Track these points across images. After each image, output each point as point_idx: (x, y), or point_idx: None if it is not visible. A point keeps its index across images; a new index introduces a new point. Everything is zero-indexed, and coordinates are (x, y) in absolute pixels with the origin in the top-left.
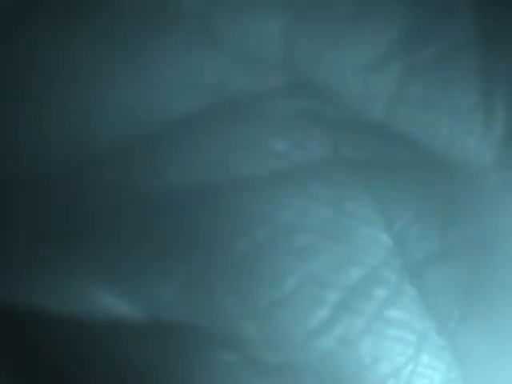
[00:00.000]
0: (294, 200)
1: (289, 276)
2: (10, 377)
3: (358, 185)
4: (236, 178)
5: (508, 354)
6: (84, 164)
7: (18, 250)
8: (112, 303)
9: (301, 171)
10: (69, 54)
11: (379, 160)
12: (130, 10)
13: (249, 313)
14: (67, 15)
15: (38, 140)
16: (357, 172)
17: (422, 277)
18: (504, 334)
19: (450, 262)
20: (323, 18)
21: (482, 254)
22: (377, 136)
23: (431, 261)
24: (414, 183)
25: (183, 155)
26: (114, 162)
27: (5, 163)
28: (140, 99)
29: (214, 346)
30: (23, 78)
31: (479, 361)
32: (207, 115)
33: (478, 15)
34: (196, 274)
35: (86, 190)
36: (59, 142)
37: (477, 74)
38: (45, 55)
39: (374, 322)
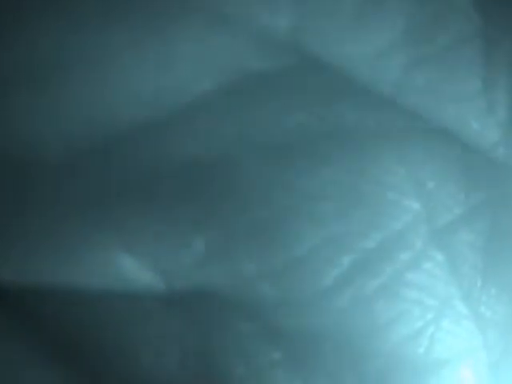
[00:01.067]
0: (315, 168)
1: (307, 240)
2: (31, 351)
3: (382, 151)
4: (256, 149)
5: None
6: (108, 141)
7: (41, 224)
8: (133, 272)
9: (322, 140)
10: (92, 40)
11: (400, 128)
12: (148, 1)
13: (264, 274)
14: (80, 5)
15: (57, 125)
16: (381, 139)
17: (449, 241)
18: None
19: (473, 224)
20: (332, 5)
21: (499, 215)
22: (389, 109)
23: (458, 223)
24: (434, 148)
25: (203, 131)
26: (138, 139)
27: (33, 147)
28: (161, 81)
29: (231, 313)
30: (45, 67)
31: (500, 329)
32: (225, 94)
33: (480, 8)
34: (215, 242)
35: (109, 166)
36: (84, 123)
37: (479, 64)
38: (65, 42)
39: (391, 284)
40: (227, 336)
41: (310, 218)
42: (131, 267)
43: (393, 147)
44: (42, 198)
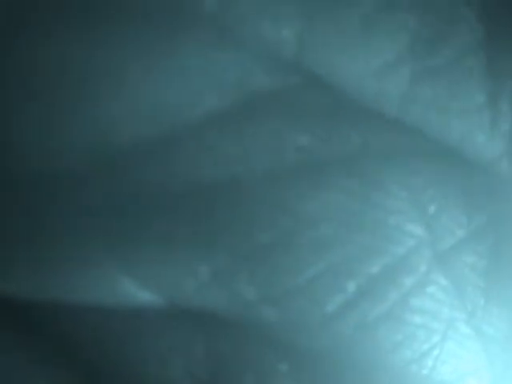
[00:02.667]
0: (318, 192)
1: (311, 265)
2: (34, 366)
3: (384, 175)
4: (259, 171)
5: None
6: (111, 159)
7: (40, 241)
8: (134, 292)
9: (325, 164)
10: (97, 55)
11: (403, 150)
12: (150, 12)
13: (267, 300)
14: (87, 17)
15: (64, 139)
16: (384, 163)
17: (452, 264)
18: None
19: (475, 246)
20: (336, 22)
21: (501, 236)
22: (395, 128)
23: (460, 246)
24: (437, 171)
25: (206, 151)
26: (139, 159)
27: (31, 162)
28: (165, 98)
29: (234, 331)
30: (49, 81)
31: (504, 348)
32: (228, 113)
33: (484, 21)
34: (218, 264)
35: (112, 185)
36: (87, 139)
37: (484, 77)
38: (70, 57)
39: (396, 310)
40: (232, 348)
41: (313, 242)
42: (133, 290)
43: (395, 171)
44: (42, 217)
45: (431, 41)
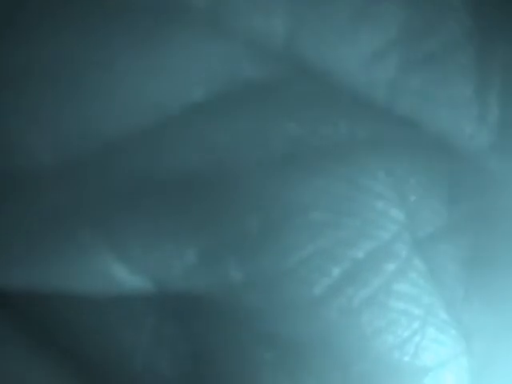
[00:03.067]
0: (306, 178)
1: (298, 249)
2: (31, 356)
3: (372, 162)
4: (248, 159)
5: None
6: (100, 149)
7: (34, 232)
8: (122, 275)
9: (314, 151)
10: (84, 50)
11: (390, 139)
12: (139, 4)
13: (254, 283)
14: (75, 11)
15: (53, 130)
16: (371, 150)
17: (431, 252)
18: (507, 310)
19: (455, 237)
20: (326, 13)
21: (483, 229)
22: (383, 117)
23: (439, 236)
24: (422, 161)
25: (196, 139)
26: (130, 147)
27: (27, 155)
28: (153, 89)
29: (221, 317)
30: (37, 76)
31: (483, 336)
32: (218, 103)
33: (473, 13)
34: (206, 248)
35: (102, 175)
36: (77, 131)
37: (472, 69)
38: (59, 52)
39: (379, 295)
40: (217, 338)
41: (301, 227)
42: (123, 275)
43: (382, 158)
44: (36, 206)
45: (420, 31)
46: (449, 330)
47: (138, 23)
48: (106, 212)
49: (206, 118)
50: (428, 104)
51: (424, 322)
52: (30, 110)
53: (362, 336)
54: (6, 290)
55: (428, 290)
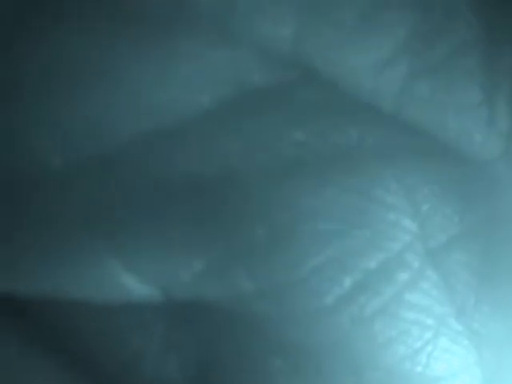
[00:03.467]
0: (317, 187)
1: (308, 259)
2: (40, 362)
3: (383, 171)
4: (257, 166)
5: None
6: (108, 155)
7: (42, 238)
8: (130, 283)
9: (323, 159)
10: (95, 53)
11: (400, 147)
12: (148, 10)
13: (264, 292)
14: (86, 16)
15: (65, 134)
16: (381, 159)
17: (443, 262)
18: None
19: (467, 244)
20: (333, 19)
21: (494, 236)
22: (393, 125)
23: (451, 245)
24: (432, 170)
25: (204, 146)
26: (138, 153)
27: (33, 158)
28: (162, 95)
29: (230, 325)
30: (47, 77)
31: (494, 343)
32: (226, 109)
33: (481, 18)
34: (214, 257)
35: (109, 181)
36: (85, 136)
37: (480, 74)
38: (68, 54)
39: (391, 305)
40: (226, 346)
41: (312, 237)
42: (132, 283)
43: (393, 167)
44: (44, 213)
45: (428, 37)
46: (461, 341)
47: (148, 31)
48: (116, 220)
49: (215, 125)
50: (436, 111)
51: (436, 332)
52: (40, 113)
53: (373, 346)
54: (17, 297)
55: (440, 301)
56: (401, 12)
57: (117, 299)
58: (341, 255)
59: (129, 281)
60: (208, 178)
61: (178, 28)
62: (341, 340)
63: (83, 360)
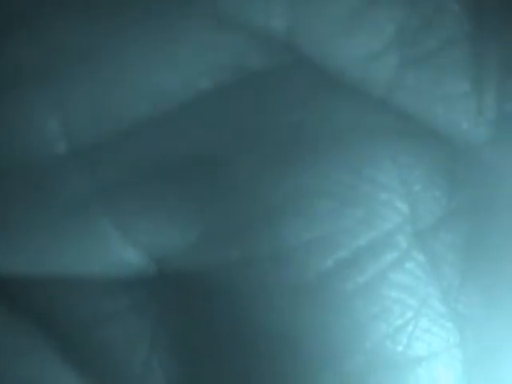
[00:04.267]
0: (313, 166)
1: (298, 233)
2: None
3: (378, 151)
4: (254, 146)
5: (506, 322)
6: (109, 137)
7: (43, 214)
8: (128, 257)
9: (318, 139)
10: (95, 38)
11: (393, 128)
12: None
13: (251, 261)
14: (87, 3)
15: (67, 116)
16: (376, 139)
17: (430, 244)
18: (502, 299)
19: (453, 226)
20: (323, 11)
21: (480, 218)
22: (381, 110)
23: (438, 226)
24: (423, 152)
25: (203, 126)
26: (138, 135)
27: (40, 143)
28: (161, 79)
29: (213, 301)
30: (48, 63)
31: (478, 326)
32: (223, 91)
33: (469, 13)
34: (209, 231)
35: (109, 160)
36: (87, 118)
37: (469, 66)
38: (69, 40)
39: (375, 283)
40: (214, 323)
41: (304, 213)
42: (127, 252)
43: (387, 147)
44: (44, 191)
45: (417, 30)
46: (443, 322)
47: (147, 16)
48: (115, 195)
49: (212, 106)
50: (425, 100)
51: (418, 312)
52: (43, 99)
53: (354, 323)
54: (12, 277)
55: (425, 281)
56: (391, 7)
57: (111, 272)
58: (332, 232)
59: (125, 252)
60: (205, 156)
61: (176, 14)
62: (322, 317)
63: (75, 341)
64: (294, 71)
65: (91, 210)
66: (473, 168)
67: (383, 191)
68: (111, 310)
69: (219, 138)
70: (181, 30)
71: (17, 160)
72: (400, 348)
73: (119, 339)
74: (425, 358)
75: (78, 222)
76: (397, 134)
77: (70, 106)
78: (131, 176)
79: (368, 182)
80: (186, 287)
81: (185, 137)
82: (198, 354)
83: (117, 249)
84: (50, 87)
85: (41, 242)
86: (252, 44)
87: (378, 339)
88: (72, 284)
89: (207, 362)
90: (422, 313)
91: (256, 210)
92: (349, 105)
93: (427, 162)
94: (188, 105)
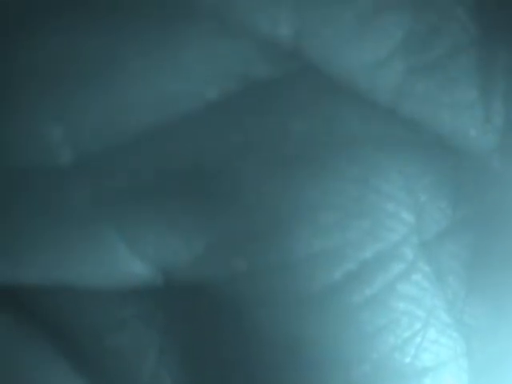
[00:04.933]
0: (319, 178)
1: (304, 246)
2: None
3: (383, 161)
4: (259, 156)
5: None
6: (114, 146)
7: (47, 223)
8: (134, 268)
9: (325, 150)
10: (100, 47)
11: (400, 138)
12: (152, 3)
13: (258, 273)
14: (91, 10)
15: (72, 124)
16: (382, 149)
17: (436, 254)
18: (508, 310)
19: (459, 236)
20: (330, 18)
21: (487, 229)
22: (391, 118)
23: (444, 236)
24: (429, 162)
25: (208, 137)
26: (144, 144)
27: (46, 151)
28: (166, 88)
29: (219, 312)
30: (52, 71)
31: (484, 336)
32: (229, 101)
33: (476, 21)
34: (215, 243)
35: (115, 169)
36: (92, 127)
37: (476, 73)
38: (74, 48)
39: (382, 295)
40: (211, 333)
41: (310, 226)
42: (134, 264)
43: (393, 157)
44: (48, 199)
45: (424, 38)
46: (450, 332)
47: (153, 24)
48: (120, 206)
49: (219, 116)
50: (433, 108)
51: (426, 323)
52: (49, 106)
53: (362, 335)
54: (19, 286)
55: (431, 292)
56: (398, 14)
57: (118, 283)
58: (338, 245)
59: (132, 263)
60: (210, 167)
61: (181, 22)
62: (329, 328)
63: (83, 350)
64: (300, 79)
65: (97, 221)
66: (480, 177)
67: (389, 202)
68: (119, 320)
69: (224, 148)
70: (187, 38)
71: (21, 170)
72: (408, 359)
73: (127, 348)
74: (432, 368)
75: (84, 232)
76: (403, 143)
77: (75, 115)
78: (136, 186)
79: (374, 192)
80: (192, 298)
81: (190, 146)
82: (205, 364)
83: (124, 260)
84: (54, 96)
85: (49, 253)
86: (258, 51)
87: (386, 351)
88: (80, 293)
89: (214, 372)
90: (430, 323)
91: (261, 221)
92: (355, 114)
93: (433, 172)
94: (193, 114)
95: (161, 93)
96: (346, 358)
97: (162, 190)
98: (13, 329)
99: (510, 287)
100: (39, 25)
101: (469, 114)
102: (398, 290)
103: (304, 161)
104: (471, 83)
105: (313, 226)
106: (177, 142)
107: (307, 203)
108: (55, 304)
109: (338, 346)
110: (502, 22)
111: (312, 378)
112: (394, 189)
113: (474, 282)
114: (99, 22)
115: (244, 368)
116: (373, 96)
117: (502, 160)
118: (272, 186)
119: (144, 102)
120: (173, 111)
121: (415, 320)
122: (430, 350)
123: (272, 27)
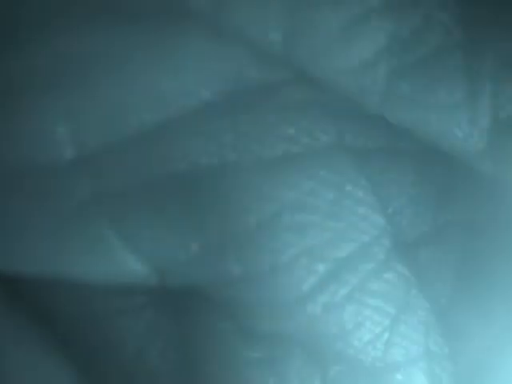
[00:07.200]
0: (300, 182)
1: (289, 247)
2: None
3: (356, 169)
4: (248, 159)
5: (498, 337)
6: (110, 145)
7: (48, 220)
8: (130, 267)
9: (308, 156)
10: (98, 47)
11: (377, 147)
12: (149, 8)
13: (250, 277)
14: (90, 12)
15: (71, 123)
16: (356, 158)
17: (413, 256)
18: (494, 313)
19: (441, 243)
20: (317, 23)
21: (471, 236)
22: (374, 125)
23: (422, 242)
24: (409, 169)
25: (200, 138)
26: (138, 143)
27: (47, 148)
28: (160, 90)
29: (213, 312)
30: (54, 70)
31: (469, 342)
32: (221, 104)
33: (459, 25)
34: (209, 244)
35: (112, 168)
36: (89, 125)
37: (461, 75)
38: (74, 47)
39: (356, 292)
40: (207, 333)
41: (293, 227)
42: (129, 261)
43: (365, 166)
44: (50, 195)
45: (408, 40)
46: (422, 329)
47: (149, 28)
48: (118, 203)
49: (210, 118)
50: (419, 110)
51: (395, 319)
52: (49, 104)
53: (340, 332)
54: (15, 278)
55: (404, 290)
56: (382, 19)
57: (113, 279)
58: (317, 245)
59: (128, 260)
60: (203, 167)
61: (177, 27)
62: (312, 327)
63: (72, 342)
64: (289, 85)
65: (95, 216)
66: (465, 181)
67: (361, 206)
68: (111, 313)
69: (217, 150)
70: (181, 41)
71: (25, 165)
72: (379, 354)
73: (118, 341)
74: (403, 363)
75: (82, 228)
76: (380, 152)
77: (78, 113)
78: (134, 185)
79: (348, 197)
80: (184, 298)
81: (184, 148)
82: (194, 362)
83: (119, 257)
84: (58, 95)
85: (47, 247)
86: (250, 57)
87: (360, 346)
88: (74, 285)
89: (204, 371)
90: (400, 319)
91: (250, 224)
92: (337, 121)
93: (411, 179)
94: (185, 115)
95: (155, 94)
96: (324, 355)
97: (157, 189)
98: (5, 319)
99: (497, 292)
100: (42, 25)
101: (456, 115)
102: (370, 288)
103: (287, 163)
104: (457, 84)
105: (295, 227)
106: (171, 142)
107: (289, 204)
108: (51, 295)
109: (318, 344)
110: (487, 21)
111: (295, 373)
112: (364, 193)
113: (460, 285)
114: (101, 24)
115: (233, 367)
116: (359, 100)
117: (489, 163)
118: (259, 187)
119: (138, 103)
120: (166, 111)
121: (385, 316)
122: (400, 345)
123: (261, 32)
